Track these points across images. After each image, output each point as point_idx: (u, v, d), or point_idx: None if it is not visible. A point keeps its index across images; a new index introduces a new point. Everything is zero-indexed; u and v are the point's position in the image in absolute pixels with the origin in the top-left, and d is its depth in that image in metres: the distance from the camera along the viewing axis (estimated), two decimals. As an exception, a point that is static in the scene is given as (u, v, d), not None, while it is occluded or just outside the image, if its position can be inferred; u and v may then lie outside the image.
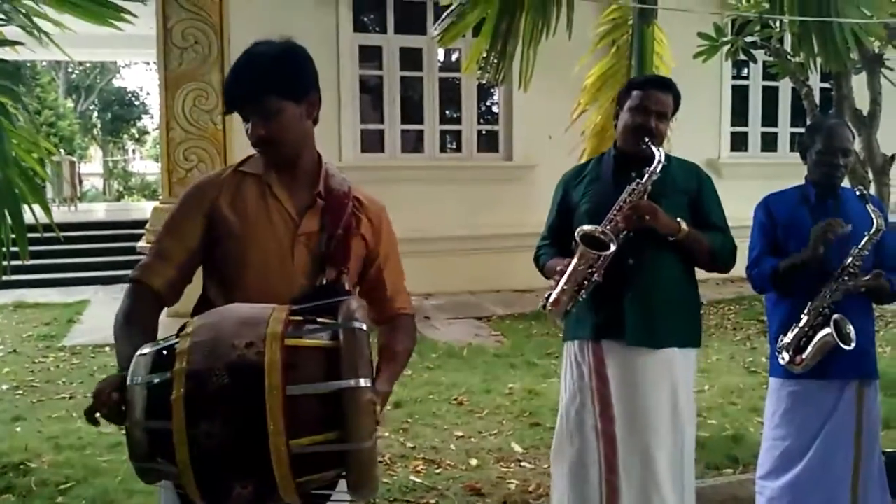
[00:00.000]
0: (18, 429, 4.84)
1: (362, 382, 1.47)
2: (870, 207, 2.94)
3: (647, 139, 2.74)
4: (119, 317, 1.87)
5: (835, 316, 2.82)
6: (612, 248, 2.60)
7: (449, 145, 10.24)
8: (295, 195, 1.97)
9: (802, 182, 3.08)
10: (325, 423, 1.47)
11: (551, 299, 2.67)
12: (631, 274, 2.70)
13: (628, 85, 2.92)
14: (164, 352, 1.56)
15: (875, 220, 2.87)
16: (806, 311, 2.87)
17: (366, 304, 1.69)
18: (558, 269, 2.69)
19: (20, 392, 5.66)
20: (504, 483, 4.04)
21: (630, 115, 2.80)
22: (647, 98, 2.78)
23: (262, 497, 1.49)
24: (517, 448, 4.51)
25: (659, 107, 2.79)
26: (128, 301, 1.91)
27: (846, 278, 2.83)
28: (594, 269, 2.62)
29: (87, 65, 31.31)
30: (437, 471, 4.18)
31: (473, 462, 4.30)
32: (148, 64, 28.45)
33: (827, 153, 2.93)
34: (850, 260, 2.83)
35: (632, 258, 2.69)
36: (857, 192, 3.00)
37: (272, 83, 1.89)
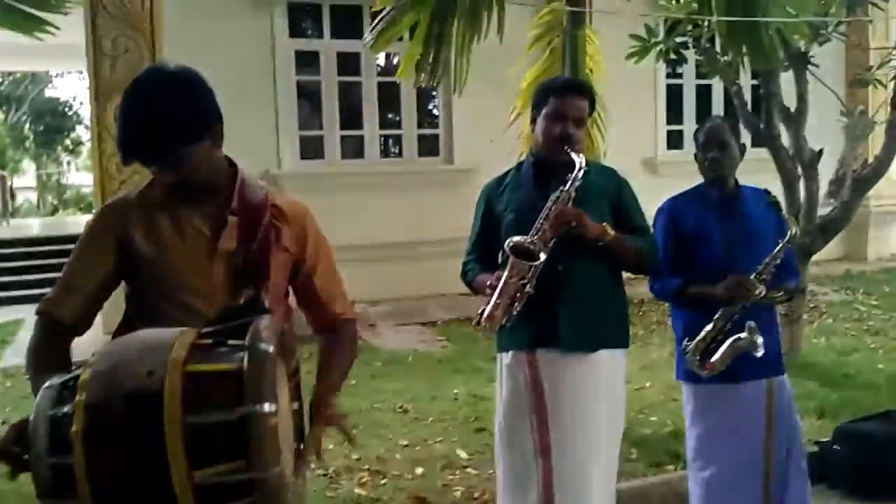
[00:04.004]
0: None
1: (266, 408, 1.40)
2: (784, 214, 3.03)
3: (566, 148, 2.72)
4: (29, 355, 1.81)
5: (749, 323, 2.84)
6: (543, 257, 2.57)
7: (391, 150, 10.19)
8: (209, 215, 1.89)
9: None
10: (231, 451, 1.40)
11: (485, 314, 2.59)
12: (562, 280, 2.68)
13: (544, 89, 2.85)
14: (70, 383, 1.49)
15: (790, 228, 2.94)
16: (718, 316, 2.88)
17: (276, 322, 1.61)
18: (489, 283, 2.63)
19: (-51, 418, 5.45)
20: (450, 490, 4.03)
21: (548, 122, 2.77)
22: (564, 105, 2.75)
23: None
24: (462, 454, 4.50)
25: (576, 112, 2.76)
26: (36, 337, 1.85)
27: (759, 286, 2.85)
28: (526, 280, 2.58)
29: (18, 74, 30.43)
30: (383, 482, 4.14)
31: (419, 471, 4.28)
32: (81, 73, 27.74)
33: (707, 147, 3.00)
34: (762, 267, 2.88)
35: (561, 264, 2.66)
36: (770, 200, 3.04)
37: (176, 133, 1.73)
